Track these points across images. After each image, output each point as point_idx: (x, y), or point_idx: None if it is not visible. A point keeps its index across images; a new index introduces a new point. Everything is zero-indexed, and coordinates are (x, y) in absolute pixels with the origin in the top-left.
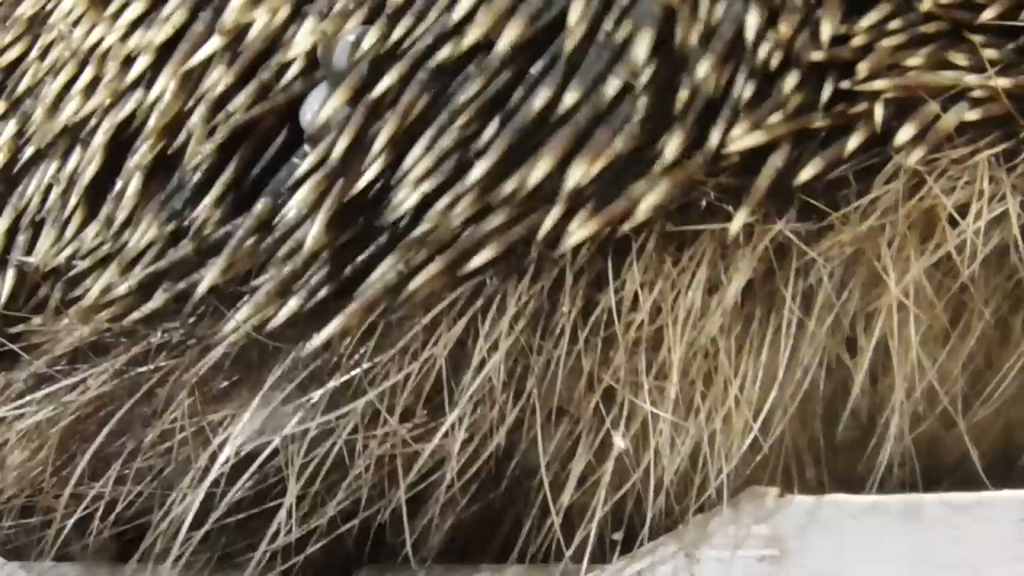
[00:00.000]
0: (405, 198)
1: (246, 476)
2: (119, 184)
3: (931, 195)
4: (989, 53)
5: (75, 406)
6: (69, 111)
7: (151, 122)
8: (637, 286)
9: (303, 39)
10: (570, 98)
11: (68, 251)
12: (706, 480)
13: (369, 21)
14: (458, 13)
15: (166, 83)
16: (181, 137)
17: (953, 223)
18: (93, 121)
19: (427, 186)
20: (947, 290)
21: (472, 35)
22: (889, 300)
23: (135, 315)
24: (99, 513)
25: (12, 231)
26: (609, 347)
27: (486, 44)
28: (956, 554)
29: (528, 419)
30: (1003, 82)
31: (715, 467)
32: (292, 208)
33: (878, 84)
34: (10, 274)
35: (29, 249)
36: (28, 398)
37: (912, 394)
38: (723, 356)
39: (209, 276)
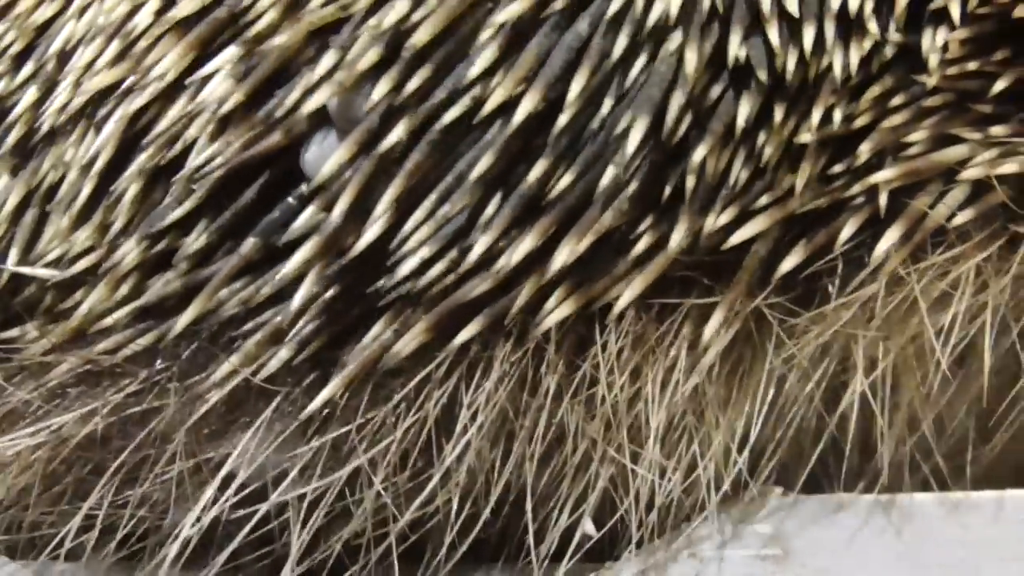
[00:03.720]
0: (403, 262)
1: (239, 523)
2: (118, 187)
3: (912, 294)
4: (996, 130)
5: (66, 439)
6: (90, 86)
7: (160, 125)
8: (614, 354)
9: (320, 93)
10: (565, 180)
11: (58, 251)
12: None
13: (385, 63)
14: (475, 70)
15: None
16: (183, 148)
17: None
18: (110, 104)
19: (426, 252)
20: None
21: (493, 100)
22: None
23: (125, 352)
24: (92, 539)
25: (22, 207)
26: (592, 407)
27: (499, 109)
28: (957, 554)
29: (516, 473)
30: (1006, 168)
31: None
32: (289, 268)
33: (880, 176)
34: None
35: (36, 230)
36: (16, 432)
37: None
38: (706, 403)
39: (187, 314)
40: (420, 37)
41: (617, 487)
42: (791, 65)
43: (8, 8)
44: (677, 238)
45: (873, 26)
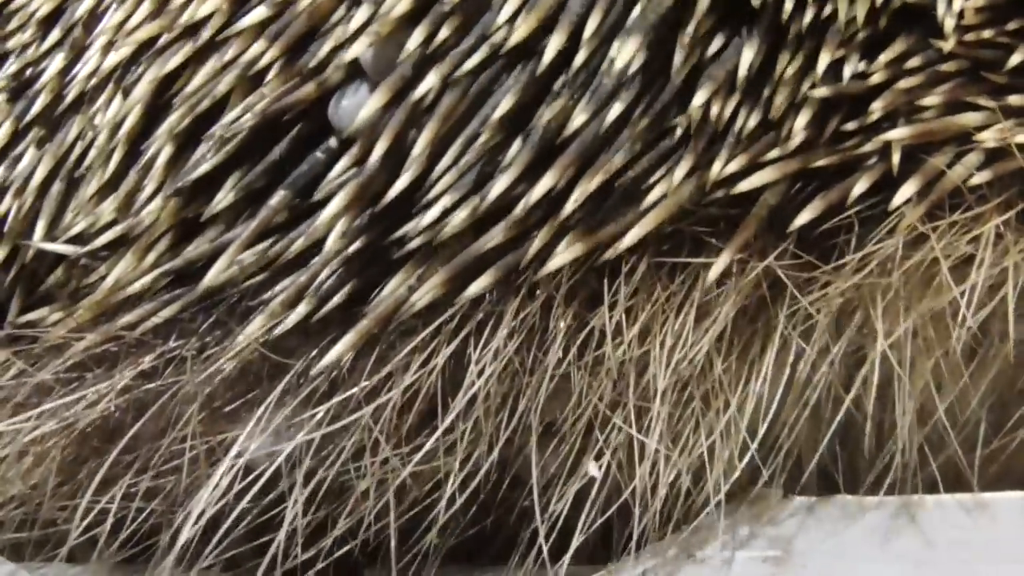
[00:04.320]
0: (427, 211)
1: (251, 494)
2: (148, 150)
3: (931, 253)
4: (1013, 99)
5: (81, 422)
6: (130, 39)
7: (191, 84)
8: (622, 311)
9: (358, 44)
10: (579, 119)
11: (82, 224)
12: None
13: (417, 13)
14: (503, 15)
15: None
16: (213, 105)
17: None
18: (141, 66)
19: (448, 200)
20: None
21: (514, 38)
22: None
23: (148, 323)
24: (106, 528)
25: (49, 180)
26: (599, 368)
27: (521, 51)
28: (957, 555)
29: (520, 436)
30: (1021, 137)
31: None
32: (324, 217)
33: (893, 134)
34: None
35: (64, 200)
36: (35, 411)
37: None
38: (716, 379)
39: (214, 271)
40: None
41: (621, 463)
42: (790, 6)
43: None
44: (680, 174)
45: None
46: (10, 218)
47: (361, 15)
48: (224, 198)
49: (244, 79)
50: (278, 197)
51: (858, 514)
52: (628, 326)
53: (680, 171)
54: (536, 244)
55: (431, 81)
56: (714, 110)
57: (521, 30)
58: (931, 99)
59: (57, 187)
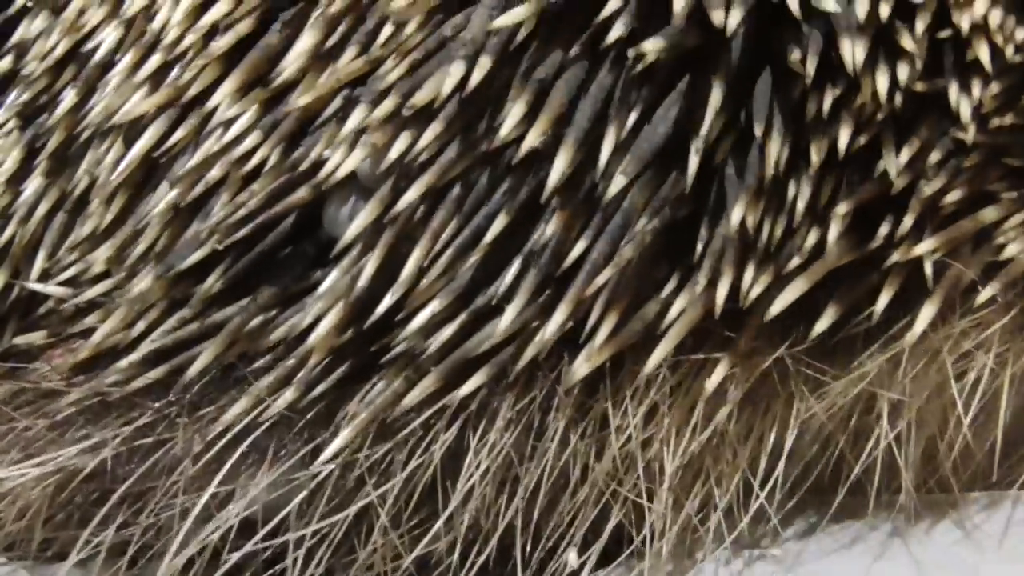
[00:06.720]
0: (414, 317)
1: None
2: (142, 214)
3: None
4: None
5: (73, 472)
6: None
7: (191, 161)
8: (628, 398)
9: (352, 159)
10: (582, 242)
11: (75, 269)
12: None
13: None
14: (504, 129)
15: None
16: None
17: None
18: (142, 124)
19: (436, 304)
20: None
21: (522, 150)
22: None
23: (137, 383)
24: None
25: (54, 210)
26: (601, 454)
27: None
28: (957, 555)
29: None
30: None
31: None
32: (312, 341)
33: (922, 248)
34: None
35: (65, 232)
36: (28, 461)
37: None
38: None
39: (203, 358)
40: (449, 110)
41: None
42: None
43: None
44: (722, 293)
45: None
46: (14, 245)
47: (356, 117)
48: (212, 285)
49: (238, 169)
50: (267, 294)
51: (856, 513)
52: (636, 411)
53: (722, 290)
54: (532, 349)
55: (418, 191)
56: (749, 221)
57: (527, 141)
58: (954, 195)
59: (60, 219)
